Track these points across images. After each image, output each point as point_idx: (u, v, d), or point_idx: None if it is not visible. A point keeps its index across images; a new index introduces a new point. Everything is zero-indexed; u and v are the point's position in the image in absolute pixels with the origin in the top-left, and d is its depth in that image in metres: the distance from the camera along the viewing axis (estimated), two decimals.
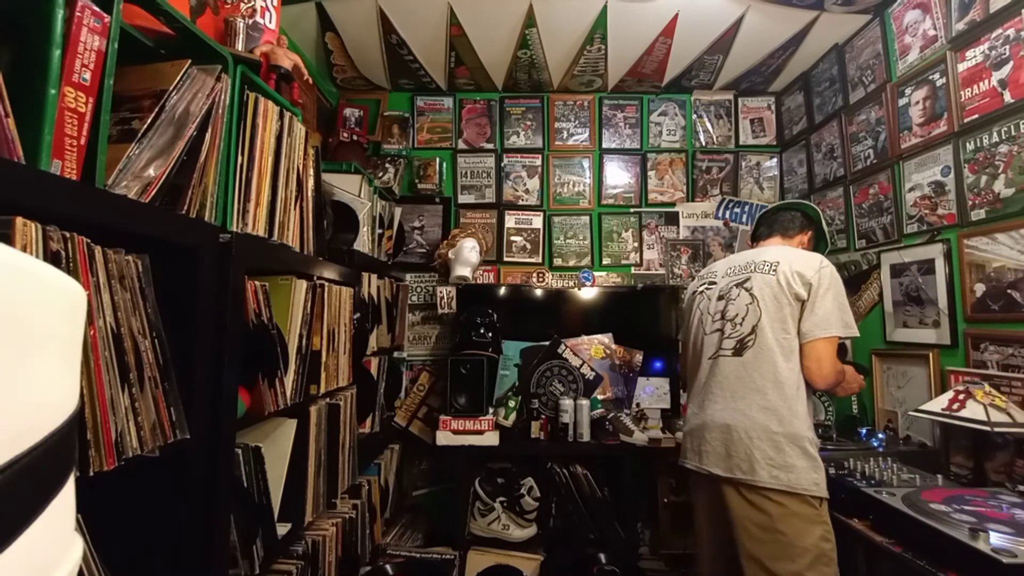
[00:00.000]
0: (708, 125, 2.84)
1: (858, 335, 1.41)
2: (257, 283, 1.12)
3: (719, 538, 1.46)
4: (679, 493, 2.25)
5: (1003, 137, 1.54)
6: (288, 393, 1.22)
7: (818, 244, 1.67)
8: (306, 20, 2.22)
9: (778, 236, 1.61)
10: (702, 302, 1.60)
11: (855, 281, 2.20)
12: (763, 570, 1.30)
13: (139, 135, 0.82)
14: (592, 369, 2.35)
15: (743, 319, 1.44)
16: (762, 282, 1.44)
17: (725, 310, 1.50)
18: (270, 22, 1.37)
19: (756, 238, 1.69)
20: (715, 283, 1.58)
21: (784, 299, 1.39)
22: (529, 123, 2.85)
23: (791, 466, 1.31)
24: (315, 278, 1.39)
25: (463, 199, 2.80)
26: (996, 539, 1.02)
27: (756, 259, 1.50)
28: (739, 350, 1.43)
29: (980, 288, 1.62)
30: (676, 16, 2.21)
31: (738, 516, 1.36)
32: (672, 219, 2.79)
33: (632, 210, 2.80)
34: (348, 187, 1.85)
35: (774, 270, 1.43)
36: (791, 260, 1.43)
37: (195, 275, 0.91)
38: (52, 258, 0.62)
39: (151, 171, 0.83)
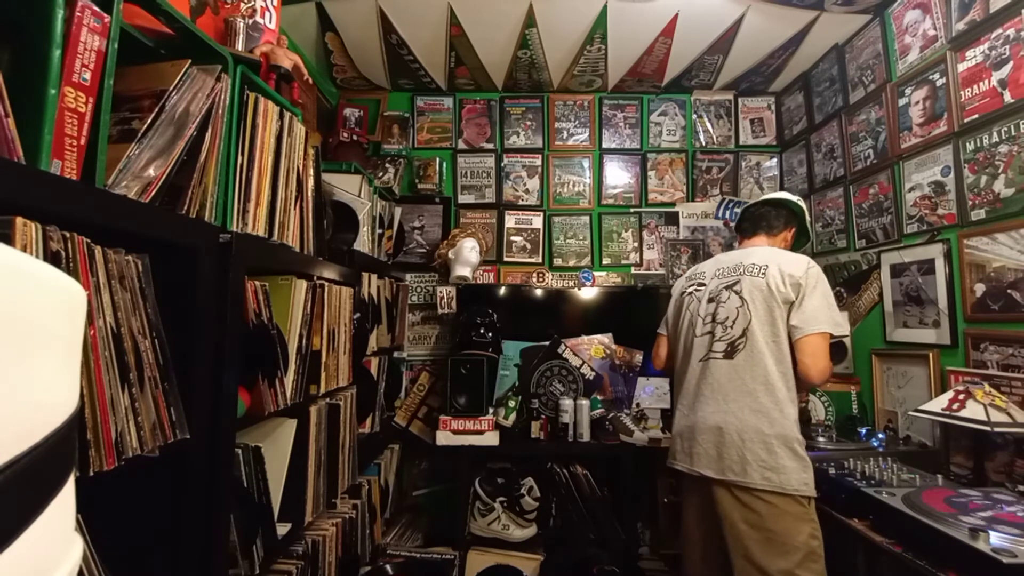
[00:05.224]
0: (708, 125, 2.84)
1: (848, 334, 1.42)
2: (257, 283, 1.12)
3: (710, 539, 1.46)
4: (679, 493, 2.25)
5: (1003, 137, 1.54)
6: (288, 393, 1.22)
7: (799, 238, 1.68)
8: (306, 20, 2.22)
9: (763, 234, 1.62)
10: (691, 303, 1.60)
11: (855, 281, 2.20)
12: (755, 568, 1.31)
13: (139, 135, 0.82)
14: (592, 369, 2.35)
15: (733, 322, 1.46)
16: (752, 285, 1.45)
17: (716, 313, 1.51)
18: (270, 22, 1.37)
19: (741, 232, 1.69)
20: (704, 284, 1.58)
21: (774, 303, 1.41)
22: (529, 123, 2.85)
23: (782, 467, 1.33)
24: (315, 278, 1.39)
25: (463, 199, 2.80)
26: (996, 539, 1.02)
27: (745, 261, 1.51)
28: (730, 353, 1.45)
29: (980, 288, 1.62)
30: (676, 16, 2.21)
31: (729, 516, 1.37)
32: (672, 219, 2.79)
33: (632, 210, 2.80)
34: (348, 187, 1.85)
35: (763, 273, 1.45)
36: (780, 263, 1.44)
37: (195, 275, 0.91)
38: (52, 258, 0.62)
39: (151, 171, 0.83)
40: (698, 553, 1.51)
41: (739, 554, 1.35)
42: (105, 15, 0.73)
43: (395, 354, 2.38)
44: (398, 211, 2.54)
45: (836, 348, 1.41)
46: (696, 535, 1.51)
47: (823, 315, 1.36)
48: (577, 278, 2.70)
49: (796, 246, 1.68)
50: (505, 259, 2.76)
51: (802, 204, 1.64)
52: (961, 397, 1.45)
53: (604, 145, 2.84)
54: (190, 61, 0.91)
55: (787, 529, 1.30)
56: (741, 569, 1.34)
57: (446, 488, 2.44)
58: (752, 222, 1.65)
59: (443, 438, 2.10)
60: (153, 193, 0.83)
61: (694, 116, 2.85)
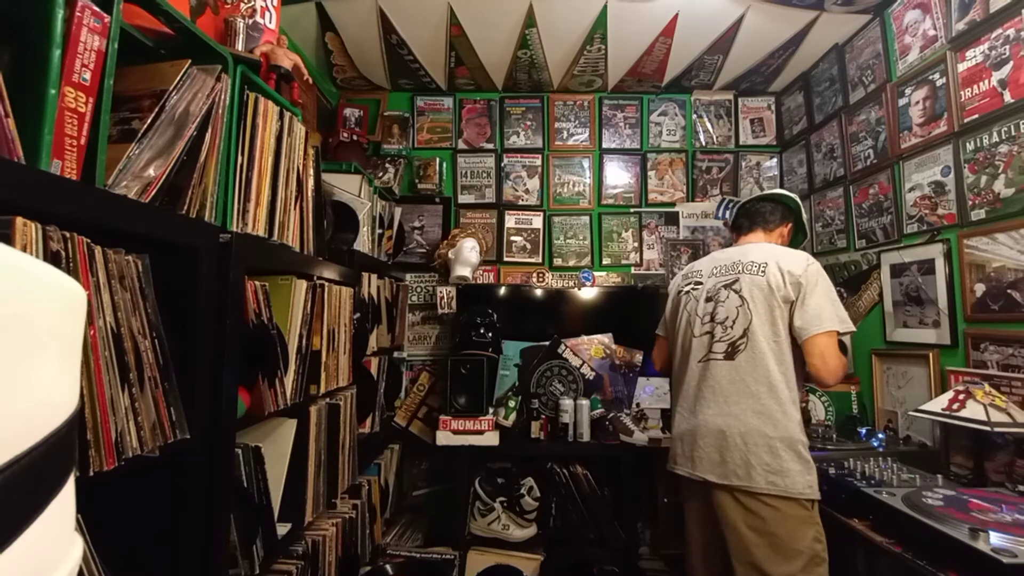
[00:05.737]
0: (708, 125, 2.84)
1: (854, 329, 1.39)
2: (257, 283, 1.12)
3: (712, 544, 1.44)
4: (679, 493, 2.25)
5: (1003, 137, 1.54)
6: (288, 393, 1.22)
7: (796, 235, 1.66)
8: (306, 20, 2.22)
9: (760, 230, 1.59)
10: (689, 303, 1.57)
11: (855, 281, 2.20)
12: (758, 573, 1.29)
13: (139, 135, 0.82)
14: (592, 369, 2.35)
15: (734, 322, 1.43)
16: (751, 283, 1.42)
17: (715, 312, 1.48)
18: (270, 22, 1.37)
19: (737, 229, 1.66)
20: (701, 283, 1.55)
21: (774, 301, 1.38)
22: (529, 123, 2.85)
23: (787, 471, 1.30)
24: (315, 278, 1.39)
25: (463, 199, 2.80)
26: (996, 539, 1.02)
27: (743, 259, 1.48)
28: (731, 354, 1.42)
29: (980, 288, 1.62)
30: (676, 16, 2.21)
31: (732, 521, 1.35)
32: (672, 219, 2.79)
33: (632, 210, 2.80)
34: (348, 187, 1.85)
35: (763, 271, 1.41)
36: (779, 260, 1.41)
37: (195, 275, 0.91)
38: (52, 258, 0.62)
39: (151, 171, 0.83)
40: (701, 556, 1.49)
41: (742, 559, 1.32)
42: (105, 15, 0.74)
43: (395, 354, 2.38)
44: (398, 211, 2.54)
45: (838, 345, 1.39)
46: (698, 538, 1.50)
47: (827, 313, 1.33)
48: (577, 278, 2.70)
49: (794, 243, 1.66)
50: (505, 259, 2.76)
51: (798, 200, 1.62)
52: (961, 397, 1.45)
53: (604, 145, 2.84)
54: (190, 61, 0.91)
55: (791, 533, 1.28)
56: (744, 574, 1.32)
57: (446, 488, 2.44)
58: (748, 218, 1.62)
59: (443, 438, 2.10)
60: (153, 193, 0.83)
61: (694, 116, 2.85)
